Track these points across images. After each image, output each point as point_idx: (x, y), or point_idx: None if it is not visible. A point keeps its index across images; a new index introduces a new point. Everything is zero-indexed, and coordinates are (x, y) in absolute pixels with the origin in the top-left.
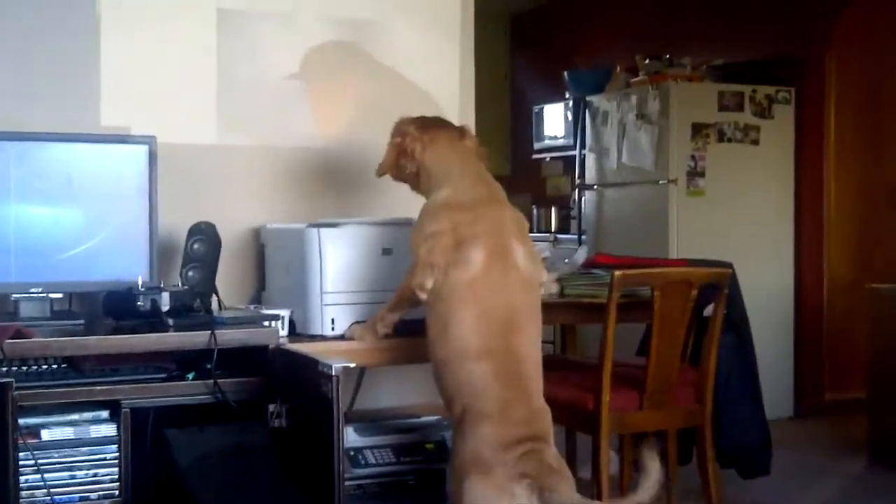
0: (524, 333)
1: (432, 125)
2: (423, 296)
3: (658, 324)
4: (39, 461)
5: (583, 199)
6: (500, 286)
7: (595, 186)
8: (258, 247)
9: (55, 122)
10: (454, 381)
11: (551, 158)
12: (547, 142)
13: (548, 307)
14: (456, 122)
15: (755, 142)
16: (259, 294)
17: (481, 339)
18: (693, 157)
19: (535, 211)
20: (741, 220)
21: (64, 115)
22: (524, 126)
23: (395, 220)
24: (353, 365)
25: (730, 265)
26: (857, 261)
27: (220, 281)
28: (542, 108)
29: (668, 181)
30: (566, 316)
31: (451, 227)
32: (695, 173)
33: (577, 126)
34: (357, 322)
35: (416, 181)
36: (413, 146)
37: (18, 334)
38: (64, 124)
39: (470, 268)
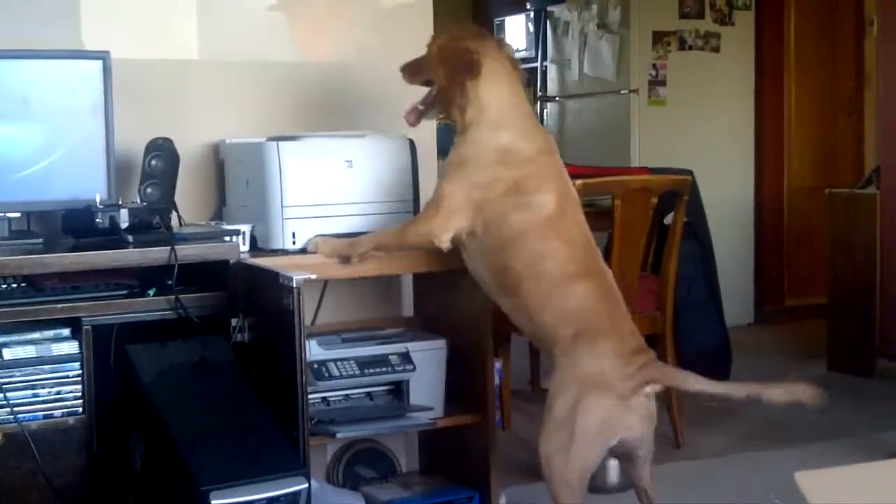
0: (601, 257)
1: (489, 41)
2: (443, 244)
3: (619, 232)
4: (1, 380)
5: (545, 111)
6: (573, 221)
7: (557, 98)
8: (217, 162)
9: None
10: (561, 310)
11: None
12: None
13: None
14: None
15: (716, 49)
16: (219, 210)
17: (577, 263)
18: (654, 66)
19: None
20: (702, 128)
21: (17, 33)
22: None
23: (355, 132)
24: (313, 277)
25: (690, 172)
26: (816, 167)
27: (180, 197)
28: (504, 21)
29: (629, 91)
30: None
31: (514, 179)
32: (656, 82)
33: (538, 37)
34: (320, 235)
35: (450, 97)
36: (476, 60)
37: None
38: (16, 41)
39: (541, 209)
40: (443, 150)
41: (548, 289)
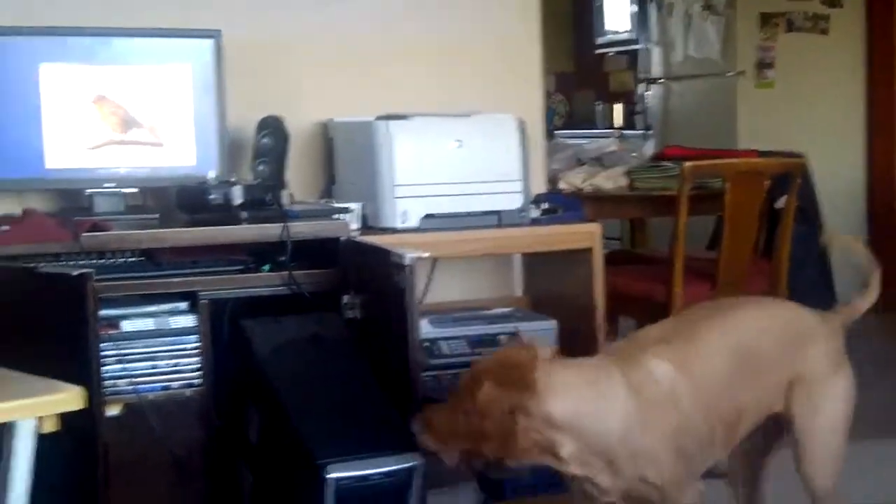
0: None
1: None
2: None
3: (729, 215)
4: (121, 352)
5: (647, 93)
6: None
7: (661, 80)
8: (326, 140)
9: (122, 18)
10: None
11: (615, 53)
12: (609, 36)
13: (617, 200)
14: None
15: (824, 31)
16: (328, 188)
17: None
18: (761, 48)
19: (598, 107)
20: (811, 111)
21: (130, 11)
22: (587, 20)
23: (465, 111)
24: (426, 255)
25: (800, 156)
26: None
27: (289, 175)
28: (602, 3)
29: (735, 73)
30: (636, 209)
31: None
32: (763, 65)
33: (641, 18)
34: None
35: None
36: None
37: (96, 227)
38: (127, 19)
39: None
40: (550, 132)
41: None
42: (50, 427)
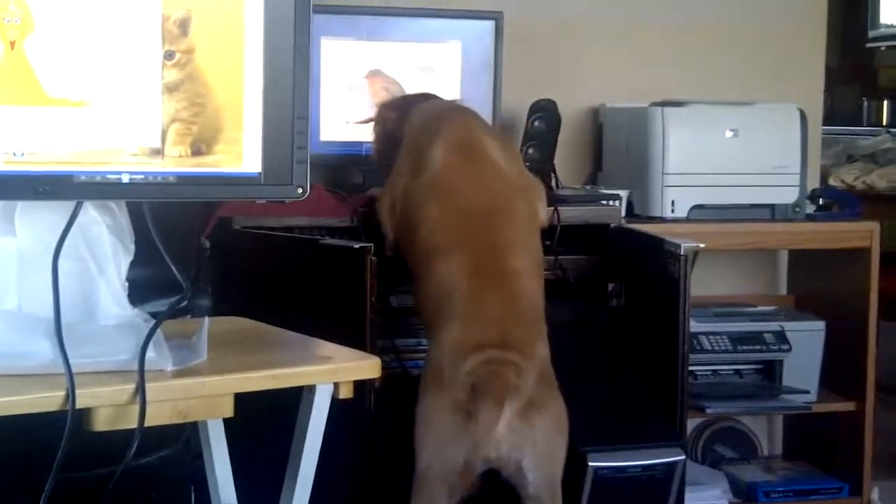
0: (507, 231)
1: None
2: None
3: None
4: (388, 326)
5: None
6: (471, 180)
7: None
8: (595, 126)
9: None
10: (426, 297)
11: (887, 47)
12: (883, 30)
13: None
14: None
15: None
16: (593, 174)
17: (449, 232)
18: None
19: (865, 103)
20: None
21: None
22: (857, 13)
23: (743, 100)
24: (702, 245)
25: None
26: None
27: (556, 159)
28: None
29: None
30: None
31: (411, 149)
32: None
33: None
34: None
35: None
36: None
37: (371, 202)
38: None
39: (429, 168)
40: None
41: (417, 270)
42: (345, 394)
